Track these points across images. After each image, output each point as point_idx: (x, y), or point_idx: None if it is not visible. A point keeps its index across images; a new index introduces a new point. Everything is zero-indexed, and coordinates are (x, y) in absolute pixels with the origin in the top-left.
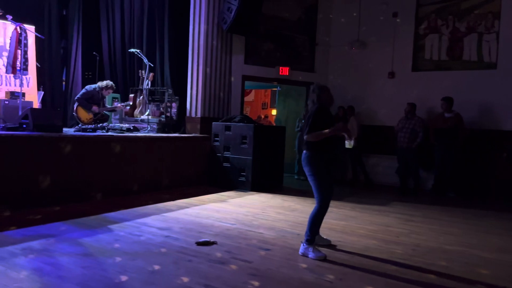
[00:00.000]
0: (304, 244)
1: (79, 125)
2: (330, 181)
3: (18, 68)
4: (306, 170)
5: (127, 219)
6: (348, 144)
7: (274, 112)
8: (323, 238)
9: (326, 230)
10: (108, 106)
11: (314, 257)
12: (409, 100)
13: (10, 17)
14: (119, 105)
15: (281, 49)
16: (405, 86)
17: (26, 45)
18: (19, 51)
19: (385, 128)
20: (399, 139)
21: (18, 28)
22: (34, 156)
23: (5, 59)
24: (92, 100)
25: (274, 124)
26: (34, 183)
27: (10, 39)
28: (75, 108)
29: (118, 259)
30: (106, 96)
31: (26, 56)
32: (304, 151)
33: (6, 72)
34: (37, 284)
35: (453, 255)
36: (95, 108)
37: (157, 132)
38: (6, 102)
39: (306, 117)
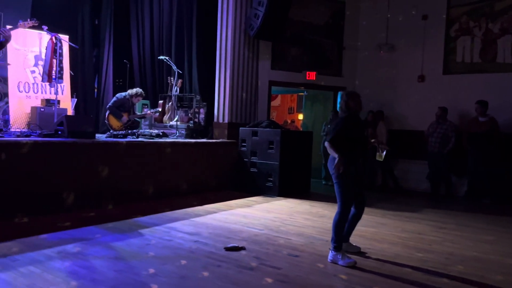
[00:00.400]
0: (333, 251)
1: (110, 131)
2: (355, 186)
3: (53, 76)
4: (331, 174)
5: (157, 224)
6: (379, 156)
7: (300, 116)
8: (352, 245)
9: (355, 237)
10: (138, 113)
11: (343, 264)
12: (440, 104)
13: (45, 27)
14: (148, 111)
15: (308, 54)
16: (436, 89)
17: (61, 55)
18: (54, 60)
19: (414, 132)
20: (430, 144)
21: (53, 38)
22: (69, 161)
23: (41, 68)
24: (123, 107)
25: (301, 129)
26: (69, 188)
27: (46, 49)
28: (106, 116)
29: (149, 263)
30: (136, 103)
31: (61, 65)
32: (331, 156)
33: (42, 80)
34: (72, 287)
35: (489, 264)
36: (124, 118)
37: (186, 137)
38: (42, 110)
39: (333, 122)
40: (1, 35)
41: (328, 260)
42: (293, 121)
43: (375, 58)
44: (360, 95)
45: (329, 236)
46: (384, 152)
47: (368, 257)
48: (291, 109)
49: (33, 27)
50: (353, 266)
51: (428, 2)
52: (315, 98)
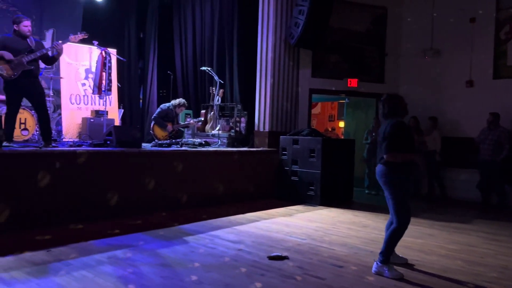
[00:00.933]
0: (379, 263)
1: (155, 141)
2: (408, 196)
3: (103, 89)
4: (384, 185)
5: (200, 232)
6: None
7: (341, 124)
8: (399, 256)
9: (402, 248)
10: (182, 123)
11: (390, 276)
12: (490, 109)
13: (96, 42)
14: (191, 121)
15: (349, 61)
16: (486, 95)
17: (110, 68)
18: (104, 74)
19: (462, 139)
20: (482, 151)
21: (103, 52)
22: (117, 170)
23: (91, 81)
24: (167, 117)
25: (342, 137)
26: (117, 195)
27: (96, 63)
28: (152, 126)
29: (194, 270)
30: (179, 113)
31: (110, 77)
32: (381, 166)
33: (93, 93)
34: None
35: None
36: (169, 127)
37: (227, 146)
38: (92, 120)
39: (385, 132)
40: (54, 49)
41: (372, 272)
42: (333, 129)
43: (419, 63)
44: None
45: (373, 246)
46: None
47: (416, 269)
48: (332, 117)
49: (83, 41)
50: (401, 278)
51: (475, 4)
52: (356, 105)
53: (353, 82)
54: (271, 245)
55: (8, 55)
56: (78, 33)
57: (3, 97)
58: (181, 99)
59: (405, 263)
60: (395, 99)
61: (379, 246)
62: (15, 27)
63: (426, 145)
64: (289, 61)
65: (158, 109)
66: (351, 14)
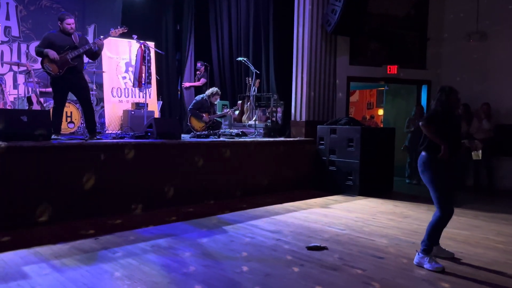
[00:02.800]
0: (420, 254)
1: (194, 132)
2: (451, 186)
3: (143, 82)
4: (423, 174)
5: (239, 221)
6: (475, 155)
7: (380, 112)
8: (444, 250)
9: (446, 240)
10: (218, 113)
11: (430, 268)
12: None
13: (135, 36)
14: (228, 110)
15: (388, 47)
16: None
17: (149, 61)
18: (143, 67)
19: (510, 127)
20: None
21: (142, 46)
22: (158, 160)
23: (131, 74)
24: (203, 108)
25: (381, 125)
26: (159, 186)
27: (136, 56)
28: (188, 118)
29: (234, 259)
30: (216, 104)
31: (149, 70)
32: (422, 153)
33: (133, 86)
34: (166, 279)
35: None
36: (205, 118)
37: (264, 136)
38: (132, 112)
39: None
40: (95, 45)
41: (414, 263)
42: (372, 117)
43: (463, 48)
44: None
45: (415, 237)
46: (480, 151)
47: (461, 263)
48: (370, 104)
49: (123, 35)
50: (441, 271)
51: None
52: (396, 92)
53: (392, 69)
54: (309, 236)
55: (52, 53)
56: (118, 27)
57: (44, 90)
58: (214, 88)
59: (452, 258)
60: (452, 91)
61: (421, 238)
62: (59, 24)
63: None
64: (326, 48)
65: (194, 101)
66: None
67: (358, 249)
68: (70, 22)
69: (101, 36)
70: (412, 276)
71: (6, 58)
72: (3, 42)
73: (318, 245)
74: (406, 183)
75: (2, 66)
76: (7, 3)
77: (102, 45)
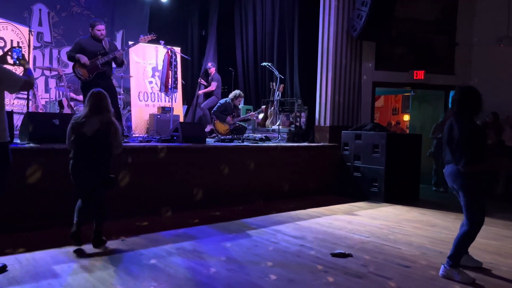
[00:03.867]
0: (447, 266)
1: (218, 136)
2: (482, 194)
3: (169, 86)
4: (454, 184)
5: (263, 226)
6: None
7: (406, 117)
8: (473, 259)
9: (475, 250)
10: (242, 117)
11: (460, 280)
12: None
13: (162, 42)
14: (252, 113)
15: (415, 52)
16: None
17: (175, 66)
18: (170, 72)
19: None
20: None
21: (169, 51)
22: (184, 164)
23: (157, 79)
24: (226, 111)
25: (407, 131)
26: (184, 190)
27: (163, 62)
28: (213, 122)
29: (258, 264)
30: (240, 107)
31: (175, 75)
32: (450, 166)
33: (160, 90)
34: (191, 282)
35: None
36: (229, 119)
37: (287, 141)
38: (158, 116)
39: (457, 138)
40: (120, 54)
41: (440, 275)
42: (398, 123)
43: (494, 52)
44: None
45: (443, 247)
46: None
47: (492, 274)
48: (396, 110)
49: (151, 41)
50: (472, 283)
51: None
52: (423, 98)
53: (419, 74)
54: (333, 242)
55: (83, 59)
56: (148, 34)
57: (77, 97)
58: (236, 90)
59: (479, 267)
60: (476, 92)
61: (449, 247)
62: (90, 30)
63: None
64: (351, 54)
65: (218, 104)
66: (418, 3)
67: (383, 257)
68: (100, 28)
69: (130, 42)
70: (440, 286)
71: (39, 63)
72: (35, 48)
73: (343, 252)
74: (433, 191)
75: (34, 70)
76: (40, 10)
77: (121, 55)
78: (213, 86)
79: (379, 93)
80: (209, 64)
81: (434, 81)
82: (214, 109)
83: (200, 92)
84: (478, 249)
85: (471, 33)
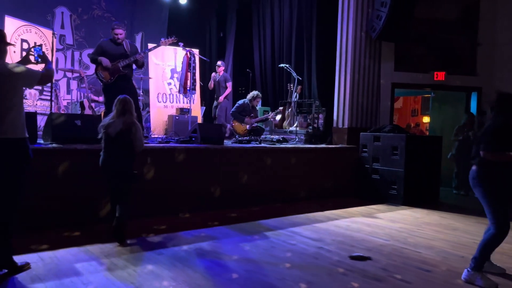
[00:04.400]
0: (470, 270)
1: (236, 137)
2: (507, 200)
3: (188, 88)
4: (476, 188)
5: (280, 227)
6: None
7: (425, 119)
8: (495, 265)
9: (498, 255)
10: (259, 117)
11: (482, 285)
12: None
13: (181, 44)
14: (269, 114)
15: (435, 53)
16: None
17: (194, 68)
18: (189, 74)
19: None
20: None
21: (188, 53)
22: (202, 165)
23: (176, 80)
24: (244, 112)
25: (427, 133)
26: (202, 190)
27: (182, 63)
28: (231, 122)
29: (276, 266)
30: (258, 108)
31: (194, 77)
32: (474, 167)
33: (179, 92)
34: (209, 282)
35: None
36: (247, 120)
37: (305, 143)
38: (177, 118)
39: (486, 129)
40: (141, 56)
41: (462, 279)
42: (417, 124)
43: None
44: None
45: (465, 251)
46: None
47: None
48: (415, 111)
49: (172, 44)
50: None
51: None
52: (444, 99)
53: (440, 75)
54: (352, 245)
55: (105, 61)
56: (169, 37)
57: (98, 98)
58: (254, 91)
59: (503, 273)
60: (507, 99)
61: (471, 252)
62: (111, 33)
63: None
64: (370, 54)
65: (236, 105)
66: (439, 3)
67: (402, 261)
68: (117, 32)
69: (150, 45)
70: None
71: (61, 65)
72: (58, 50)
73: (361, 254)
74: (453, 194)
75: (57, 72)
76: (62, 13)
77: (141, 58)
78: (229, 87)
79: (398, 94)
80: (219, 62)
81: (455, 82)
82: (232, 109)
83: (221, 98)
84: (501, 253)
85: (493, 33)
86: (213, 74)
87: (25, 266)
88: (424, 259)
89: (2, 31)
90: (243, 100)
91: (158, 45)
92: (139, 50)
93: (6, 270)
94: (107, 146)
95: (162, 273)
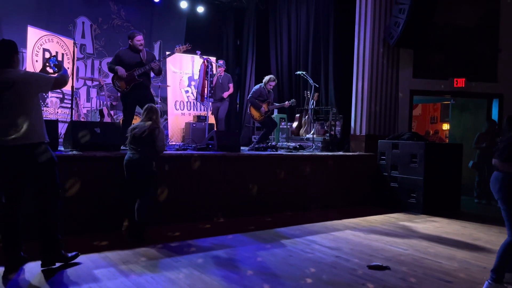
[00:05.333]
0: (490, 281)
1: (252, 145)
2: None
3: (205, 96)
4: (497, 192)
5: (297, 236)
6: None
7: (445, 127)
8: None
9: None
10: (276, 104)
11: None
12: None
13: (199, 52)
14: (286, 103)
15: (455, 59)
16: None
17: (211, 76)
18: (206, 81)
19: None
20: None
21: (205, 61)
22: (219, 172)
23: (193, 88)
24: (261, 96)
25: (446, 140)
26: (220, 197)
27: (199, 71)
28: (248, 108)
29: (293, 275)
30: (274, 116)
31: (211, 85)
32: (495, 172)
33: (196, 100)
34: None
35: None
36: (263, 109)
37: (322, 150)
38: (194, 125)
39: (507, 139)
40: (157, 64)
41: None
42: (436, 132)
43: None
44: None
45: (487, 262)
46: None
47: None
48: (434, 119)
49: (186, 51)
50: None
51: None
52: (464, 106)
53: (460, 82)
54: (370, 254)
55: (121, 71)
56: (183, 44)
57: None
58: (270, 75)
59: None
60: None
61: (493, 263)
62: (129, 42)
63: None
64: (387, 61)
65: (253, 90)
66: (458, 9)
67: (423, 271)
68: (139, 39)
69: (167, 52)
70: None
71: (81, 73)
72: (78, 59)
73: (380, 264)
74: (475, 203)
75: (77, 81)
76: (83, 23)
77: (156, 66)
78: (231, 88)
79: (417, 102)
80: (220, 62)
81: (475, 89)
82: (249, 95)
83: (226, 94)
84: None
85: None
86: (218, 72)
87: (75, 256)
88: (445, 269)
89: (14, 42)
90: (259, 84)
91: (173, 52)
92: (157, 58)
93: (59, 264)
94: (132, 144)
95: (179, 281)
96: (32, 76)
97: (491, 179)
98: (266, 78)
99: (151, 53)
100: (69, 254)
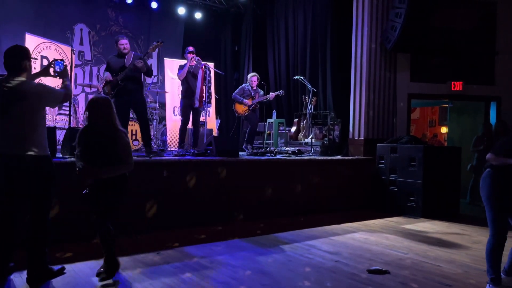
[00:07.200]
0: (490, 284)
1: (250, 150)
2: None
3: (204, 101)
4: (482, 189)
5: (296, 241)
6: None
7: (443, 130)
8: None
9: None
10: (261, 97)
11: None
12: None
13: (197, 58)
14: (271, 94)
15: (452, 62)
16: None
17: (209, 81)
18: (204, 87)
19: None
20: None
21: (203, 67)
22: (218, 178)
23: None
24: (245, 93)
25: (445, 144)
26: (218, 203)
27: (198, 77)
28: (234, 105)
29: (292, 280)
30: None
31: (209, 90)
32: (488, 169)
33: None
34: None
35: None
36: (246, 101)
37: (320, 154)
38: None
39: (504, 138)
40: (134, 65)
41: None
42: (435, 135)
43: None
44: None
45: (486, 265)
46: None
47: None
48: (432, 122)
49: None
50: None
51: None
52: (462, 109)
53: (457, 85)
54: (370, 258)
55: (106, 76)
56: (154, 42)
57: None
58: (252, 73)
59: None
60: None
61: None
62: (115, 47)
63: None
64: (385, 65)
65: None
66: (455, 12)
67: (422, 275)
68: (122, 43)
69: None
70: None
71: (79, 80)
72: (77, 66)
73: (380, 268)
74: (474, 206)
75: (75, 88)
76: (81, 29)
77: (141, 67)
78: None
79: (415, 105)
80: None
81: (473, 92)
82: (234, 92)
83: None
84: None
85: (511, 41)
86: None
87: (62, 271)
88: (445, 273)
89: (26, 48)
90: (244, 84)
91: (147, 53)
92: (149, 62)
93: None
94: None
95: (178, 287)
96: (45, 89)
97: (482, 176)
98: (248, 76)
99: (137, 55)
100: (55, 268)
